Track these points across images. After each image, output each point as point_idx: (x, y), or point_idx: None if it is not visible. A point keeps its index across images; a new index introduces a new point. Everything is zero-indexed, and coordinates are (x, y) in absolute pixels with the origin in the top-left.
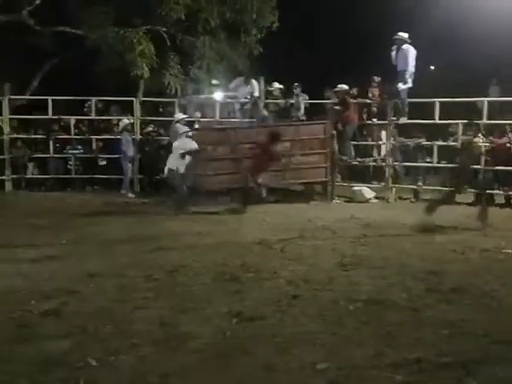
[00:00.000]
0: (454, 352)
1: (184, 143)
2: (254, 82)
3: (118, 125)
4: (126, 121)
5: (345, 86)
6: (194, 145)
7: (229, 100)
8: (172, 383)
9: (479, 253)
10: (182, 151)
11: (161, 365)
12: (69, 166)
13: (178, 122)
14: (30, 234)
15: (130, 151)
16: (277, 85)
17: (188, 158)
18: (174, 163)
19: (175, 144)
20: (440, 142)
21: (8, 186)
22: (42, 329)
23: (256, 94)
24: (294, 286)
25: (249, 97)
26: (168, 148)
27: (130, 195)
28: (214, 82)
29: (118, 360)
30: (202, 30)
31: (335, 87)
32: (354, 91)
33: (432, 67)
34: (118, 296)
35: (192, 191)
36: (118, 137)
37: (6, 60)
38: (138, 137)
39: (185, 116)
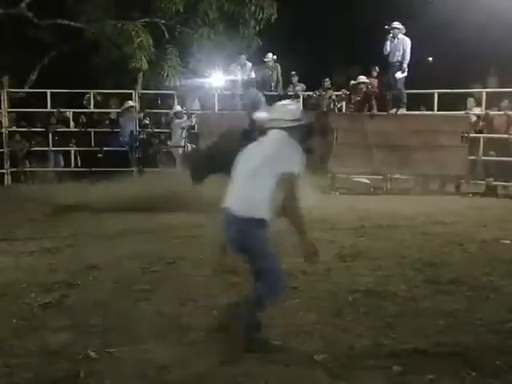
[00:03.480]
0: (451, 342)
1: None
2: (248, 63)
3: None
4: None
5: (365, 78)
6: None
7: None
8: (172, 374)
9: (478, 244)
10: None
11: (160, 356)
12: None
13: (175, 114)
14: (29, 227)
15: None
16: (271, 55)
17: None
18: None
19: None
20: None
21: (7, 179)
22: (42, 321)
23: (252, 75)
24: (293, 277)
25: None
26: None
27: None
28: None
29: (118, 352)
30: (200, 21)
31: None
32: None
33: (430, 58)
34: (118, 288)
35: None
36: (116, 130)
37: (5, 53)
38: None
39: (182, 109)
